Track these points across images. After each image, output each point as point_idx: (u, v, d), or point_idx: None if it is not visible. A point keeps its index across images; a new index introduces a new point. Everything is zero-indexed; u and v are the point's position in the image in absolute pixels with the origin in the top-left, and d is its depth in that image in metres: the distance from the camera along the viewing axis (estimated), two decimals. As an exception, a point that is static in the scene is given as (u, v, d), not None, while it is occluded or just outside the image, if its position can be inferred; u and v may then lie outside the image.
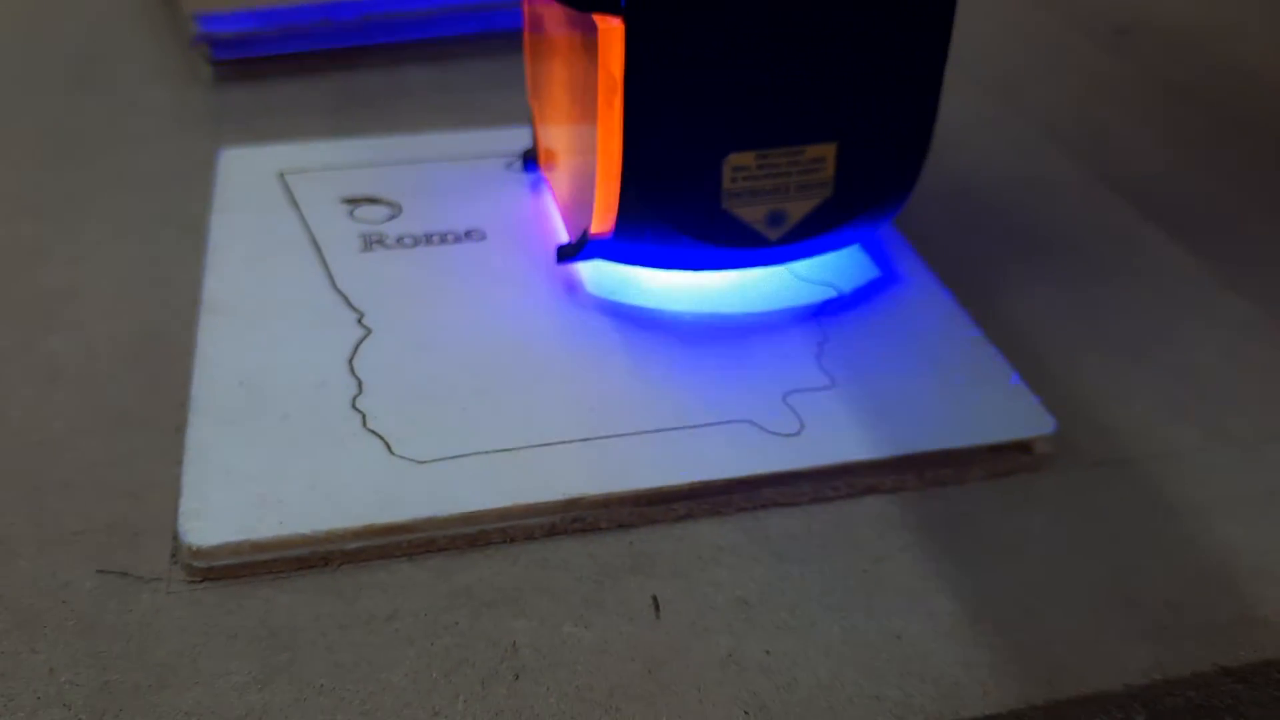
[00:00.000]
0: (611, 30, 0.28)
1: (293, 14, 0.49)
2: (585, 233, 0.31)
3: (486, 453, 0.28)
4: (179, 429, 0.29)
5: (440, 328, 0.32)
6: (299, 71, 0.50)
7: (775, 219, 0.31)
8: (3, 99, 0.48)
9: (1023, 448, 0.29)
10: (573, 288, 0.34)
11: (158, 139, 0.44)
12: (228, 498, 0.27)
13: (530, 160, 0.40)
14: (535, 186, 0.39)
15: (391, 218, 0.38)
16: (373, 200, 0.39)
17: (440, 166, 0.41)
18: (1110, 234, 0.39)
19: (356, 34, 0.50)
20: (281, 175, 0.40)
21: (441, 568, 0.26)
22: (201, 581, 0.26)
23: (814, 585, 0.26)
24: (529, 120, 0.40)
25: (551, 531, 0.27)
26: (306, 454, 0.28)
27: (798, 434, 0.29)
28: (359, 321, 0.33)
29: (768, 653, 0.25)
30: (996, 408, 0.30)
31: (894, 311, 0.33)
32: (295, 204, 0.38)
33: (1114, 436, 0.31)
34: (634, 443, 0.29)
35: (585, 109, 0.30)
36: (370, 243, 0.36)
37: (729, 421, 0.29)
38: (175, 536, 0.26)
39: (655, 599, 0.26)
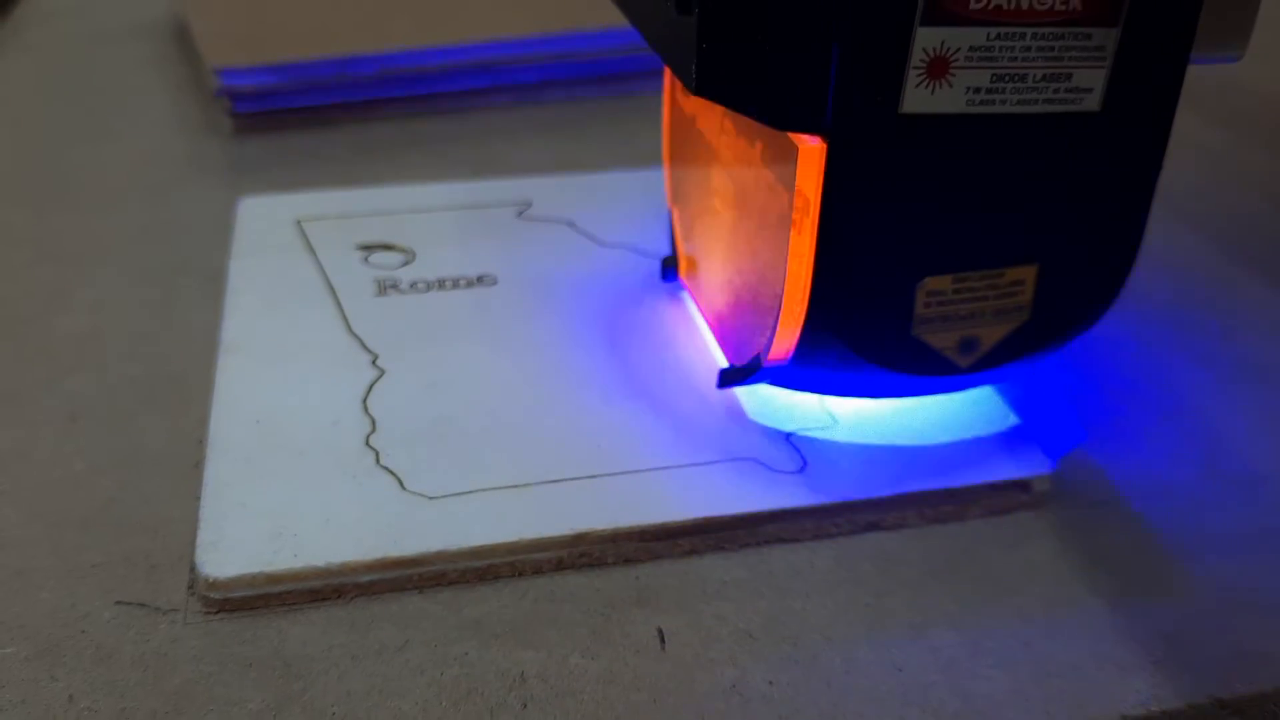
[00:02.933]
0: (811, 150, 0.26)
1: (311, 69, 0.50)
2: (757, 358, 0.30)
3: (495, 489, 0.29)
4: (197, 465, 0.30)
5: (451, 368, 0.33)
6: (316, 124, 0.51)
7: (968, 346, 0.29)
8: (28, 147, 0.49)
9: (1022, 486, 0.30)
10: (579, 329, 0.35)
11: (178, 188, 0.46)
12: (243, 531, 0.27)
13: (670, 269, 0.37)
14: (547, 235, 0.41)
15: (405, 264, 0.39)
16: (387, 247, 0.40)
17: (452, 214, 0.42)
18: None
19: (372, 88, 0.52)
20: (299, 223, 0.41)
21: (451, 600, 0.27)
22: (217, 613, 0.27)
23: (816, 618, 0.27)
24: (668, 227, 0.38)
25: (559, 566, 0.28)
26: (321, 489, 0.29)
27: (801, 471, 0.30)
28: (373, 363, 0.34)
29: (771, 683, 0.25)
30: (996, 447, 0.31)
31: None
32: (312, 250, 0.39)
33: (1112, 476, 0.31)
34: (640, 479, 0.29)
35: (764, 227, 0.29)
36: (385, 288, 0.37)
37: (734, 459, 0.30)
38: (192, 569, 0.27)
39: (661, 631, 0.26)
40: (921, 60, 0.25)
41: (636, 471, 0.29)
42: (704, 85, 0.24)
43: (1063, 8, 0.25)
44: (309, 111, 0.51)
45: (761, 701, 0.25)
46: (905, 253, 0.27)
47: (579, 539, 0.28)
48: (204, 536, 0.27)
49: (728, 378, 0.31)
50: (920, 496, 0.29)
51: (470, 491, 0.29)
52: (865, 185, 0.26)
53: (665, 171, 0.37)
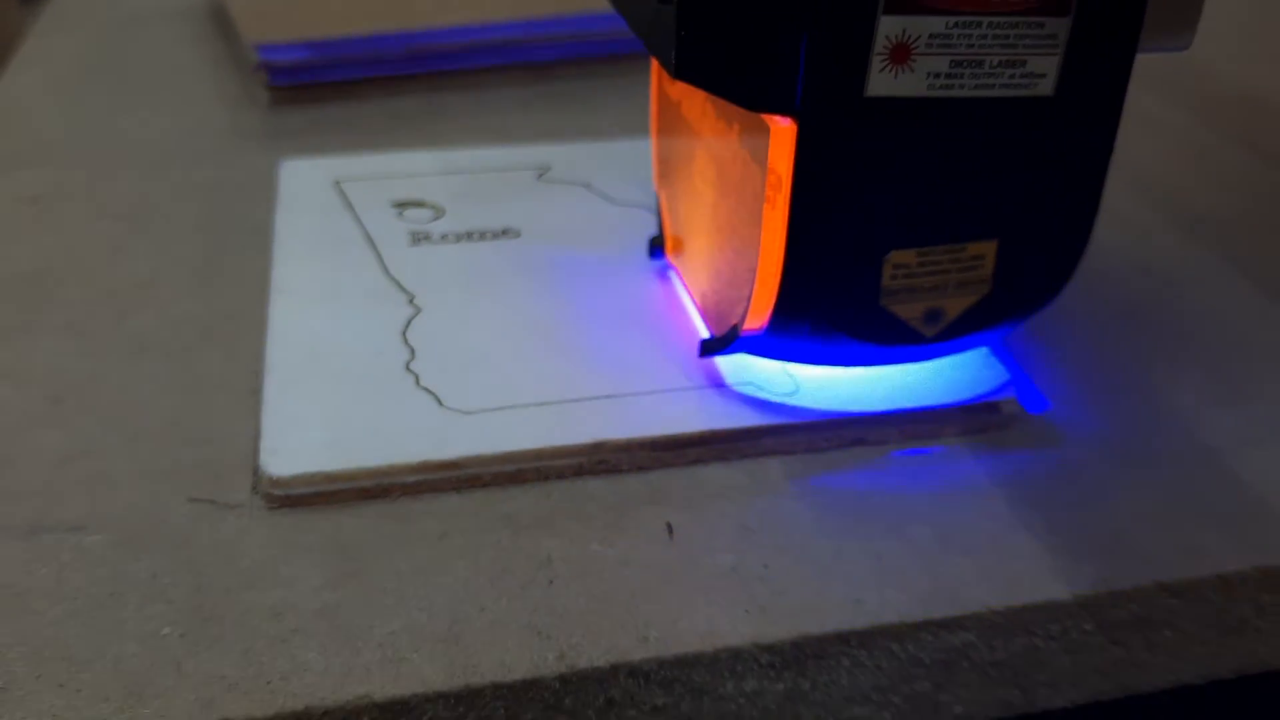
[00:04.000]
0: (782, 130, 0.28)
1: (343, 45, 0.54)
2: (735, 328, 0.32)
3: (525, 405, 0.32)
4: (254, 392, 0.34)
5: (481, 306, 0.37)
6: (348, 97, 0.54)
7: (932, 316, 0.31)
8: (79, 118, 0.53)
9: (992, 408, 0.33)
10: (595, 273, 0.38)
11: (221, 154, 0.49)
12: (301, 439, 0.31)
13: (658, 248, 0.39)
14: (565, 195, 0.44)
15: (436, 219, 0.42)
16: (419, 204, 0.43)
17: (477, 177, 0.45)
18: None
19: (400, 64, 0.55)
20: (337, 183, 0.45)
21: (485, 499, 0.31)
22: (279, 508, 0.30)
23: (808, 516, 0.30)
24: (654, 207, 0.40)
25: (579, 471, 0.31)
26: (368, 406, 0.32)
27: (794, 394, 0.33)
28: (410, 302, 0.37)
29: (766, 567, 0.29)
30: (971, 374, 0.34)
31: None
32: (350, 206, 0.43)
33: (1083, 400, 0.35)
34: (654, 399, 0.33)
35: (740, 204, 0.31)
36: (418, 239, 0.41)
37: (736, 383, 0.33)
38: (255, 471, 0.31)
39: (670, 525, 0.30)
40: (885, 47, 0.27)
41: (650, 393, 0.33)
42: (682, 70, 0.26)
43: None
44: (341, 86, 0.54)
45: (758, 581, 0.28)
46: (872, 227, 0.29)
47: (597, 447, 0.31)
48: (266, 443, 0.31)
49: (708, 347, 0.33)
50: (900, 416, 0.33)
51: (501, 408, 0.32)
52: (833, 164, 0.28)
53: (654, 155, 0.39)
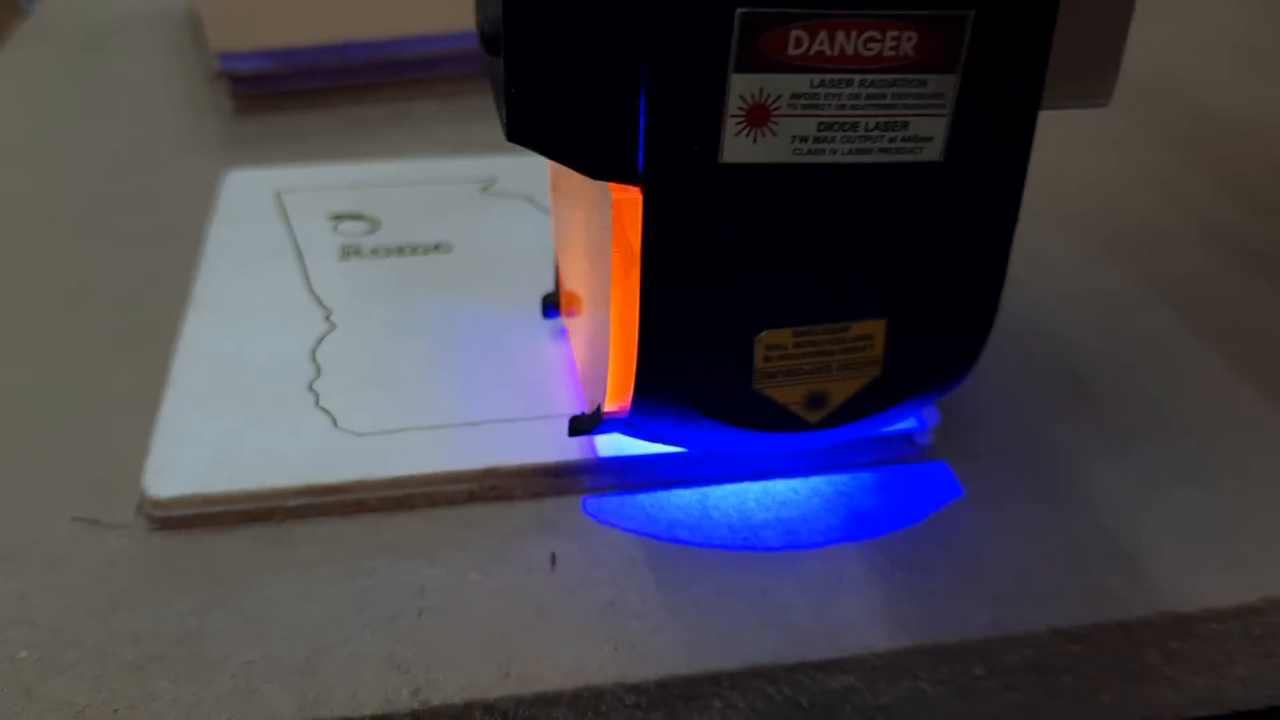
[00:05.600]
0: (628, 201, 0.25)
1: (305, 54, 0.54)
2: (599, 409, 0.29)
3: (420, 429, 0.32)
4: (157, 408, 0.33)
5: (397, 324, 0.36)
6: (311, 105, 0.54)
7: (816, 401, 0.28)
8: (47, 126, 0.53)
9: (906, 439, 0.32)
10: (517, 291, 0.38)
11: (176, 162, 0.49)
12: (188, 459, 0.31)
13: (551, 306, 0.36)
14: (506, 209, 0.43)
15: (370, 232, 0.42)
16: (356, 217, 0.43)
17: (422, 189, 0.45)
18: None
19: (365, 73, 0.55)
20: (278, 194, 0.44)
21: (369, 525, 0.30)
22: (160, 529, 0.30)
23: (696, 551, 0.29)
24: (554, 261, 0.37)
25: (471, 498, 0.31)
26: (262, 425, 0.32)
27: (700, 420, 0.32)
28: (326, 318, 0.37)
29: (644, 601, 0.28)
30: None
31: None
32: (286, 218, 0.42)
33: (997, 430, 0.33)
34: (552, 424, 0.32)
35: (602, 275, 0.28)
36: (348, 253, 0.40)
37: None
38: (141, 491, 0.30)
39: (554, 555, 0.29)
40: (739, 108, 0.24)
41: (549, 417, 0.32)
42: (514, 132, 0.23)
43: (893, 54, 0.24)
44: (304, 94, 0.54)
45: (634, 617, 0.27)
46: (738, 305, 0.26)
47: (489, 473, 0.30)
48: (152, 463, 0.30)
49: (575, 426, 0.29)
50: (802, 450, 0.32)
51: (395, 430, 0.32)
52: (688, 237, 0.25)
53: (551, 205, 0.36)
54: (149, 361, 0.36)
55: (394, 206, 0.43)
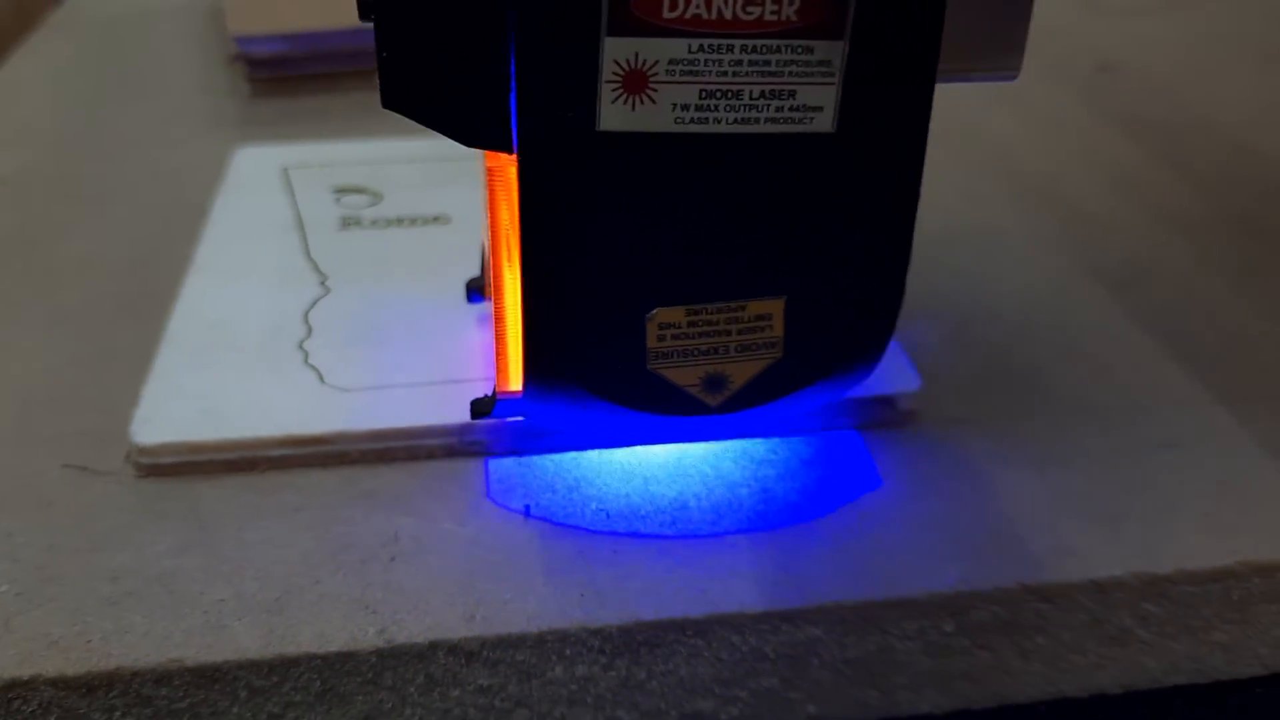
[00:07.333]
0: (504, 169, 0.25)
1: (320, 38, 0.55)
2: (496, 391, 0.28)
3: (405, 385, 0.32)
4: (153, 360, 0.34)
5: (390, 289, 0.37)
6: (326, 88, 0.55)
7: (714, 384, 0.27)
8: (71, 106, 0.54)
9: (887, 403, 0.32)
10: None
11: (191, 141, 0.50)
12: (176, 409, 0.31)
13: (475, 291, 0.35)
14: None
15: (372, 204, 0.42)
16: (359, 190, 0.43)
17: (427, 165, 0.46)
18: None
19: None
20: (285, 169, 0.45)
21: (350, 476, 0.30)
22: (147, 476, 0.30)
23: (670, 503, 0.29)
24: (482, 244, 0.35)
25: (452, 452, 0.31)
26: (250, 380, 0.32)
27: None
28: (322, 283, 0.37)
29: (615, 551, 0.28)
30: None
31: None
32: (291, 191, 0.43)
33: (979, 396, 0.33)
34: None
35: (493, 252, 0.27)
36: (348, 223, 0.41)
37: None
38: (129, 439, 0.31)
39: (528, 506, 0.29)
40: (615, 74, 0.23)
41: (532, 375, 0.32)
42: (388, 97, 0.23)
43: (774, 18, 0.23)
44: (320, 77, 0.55)
45: (603, 565, 0.28)
46: (627, 281, 0.25)
47: (469, 427, 0.31)
48: (140, 412, 0.31)
49: (476, 408, 0.28)
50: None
51: (380, 386, 0.32)
52: (568, 209, 0.24)
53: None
54: (148, 322, 0.36)
55: (397, 181, 0.44)
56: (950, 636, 0.28)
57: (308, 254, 0.39)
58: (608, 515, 0.29)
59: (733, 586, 0.27)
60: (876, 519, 0.29)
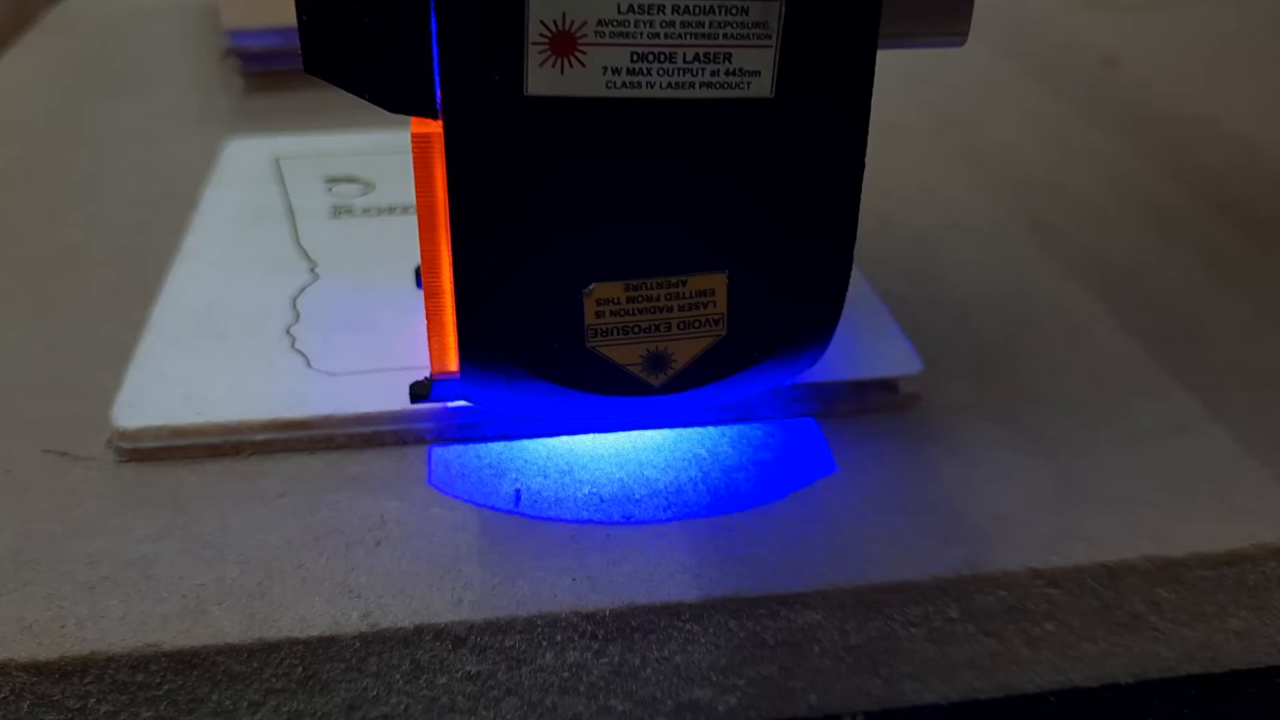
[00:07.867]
0: (430, 136, 0.24)
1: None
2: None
3: (392, 370, 0.31)
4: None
5: (379, 277, 0.36)
6: (319, 83, 0.54)
7: (656, 363, 0.26)
8: (63, 102, 0.53)
9: (889, 386, 0.31)
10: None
11: (183, 135, 0.49)
12: (159, 394, 0.30)
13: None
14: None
15: (364, 193, 0.42)
16: (351, 179, 0.43)
17: (421, 156, 0.45)
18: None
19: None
20: (276, 160, 0.44)
21: (336, 460, 0.30)
22: (127, 461, 0.29)
23: (666, 487, 0.29)
24: None
25: (441, 437, 0.30)
26: (235, 365, 0.32)
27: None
28: (311, 270, 0.36)
29: (608, 536, 0.27)
30: (869, 349, 0.32)
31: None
32: (282, 181, 0.42)
33: (985, 382, 0.32)
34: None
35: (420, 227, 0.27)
36: (339, 212, 0.40)
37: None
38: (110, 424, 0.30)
39: (518, 491, 0.28)
40: (542, 35, 0.22)
41: (524, 359, 0.32)
42: (310, 62, 0.22)
43: None
44: (313, 72, 0.54)
45: (596, 550, 0.27)
46: (562, 254, 0.24)
47: (458, 412, 0.30)
48: (122, 397, 0.30)
49: (415, 391, 0.27)
50: (786, 390, 0.31)
51: (368, 371, 0.31)
52: (497, 176, 0.23)
53: None
54: (134, 310, 0.35)
55: (390, 170, 0.43)
56: (955, 622, 0.27)
57: (297, 242, 0.38)
58: (601, 499, 0.28)
59: (730, 570, 0.26)
60: (879, 502, 0.28)
